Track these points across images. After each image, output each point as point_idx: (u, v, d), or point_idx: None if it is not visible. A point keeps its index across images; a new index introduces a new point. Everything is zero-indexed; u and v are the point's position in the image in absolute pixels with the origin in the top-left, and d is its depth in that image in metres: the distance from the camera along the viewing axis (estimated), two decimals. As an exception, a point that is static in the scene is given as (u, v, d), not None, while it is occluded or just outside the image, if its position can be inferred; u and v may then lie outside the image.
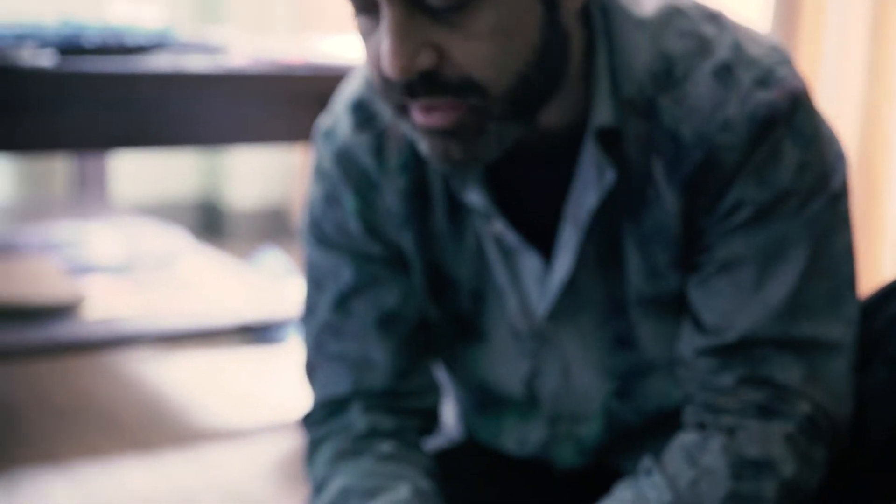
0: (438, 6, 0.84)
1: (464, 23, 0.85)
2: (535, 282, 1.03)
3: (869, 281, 1.59)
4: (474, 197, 1.01)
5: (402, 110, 0.91)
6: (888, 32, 1.55)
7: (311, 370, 1.11)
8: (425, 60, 0.86)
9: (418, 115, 0.89)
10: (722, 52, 0.95)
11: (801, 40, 1.68)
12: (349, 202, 1.06)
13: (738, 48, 0.96)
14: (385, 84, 0.89)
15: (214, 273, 2.20)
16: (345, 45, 1.84)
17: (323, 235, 1.09)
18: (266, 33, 2.82)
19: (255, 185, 3.37)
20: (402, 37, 0.84)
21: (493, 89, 0.87)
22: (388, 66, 0.85)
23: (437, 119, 0.88)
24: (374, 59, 0.89)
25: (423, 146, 0.91)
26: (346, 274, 1.07)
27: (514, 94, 0.88)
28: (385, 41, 0.85)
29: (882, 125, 1.58)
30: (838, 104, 1.62)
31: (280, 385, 2.15)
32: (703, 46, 0.96)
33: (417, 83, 0.86)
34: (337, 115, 1.08)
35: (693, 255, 0.98)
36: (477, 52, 0.86)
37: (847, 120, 1.62)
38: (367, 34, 0.89)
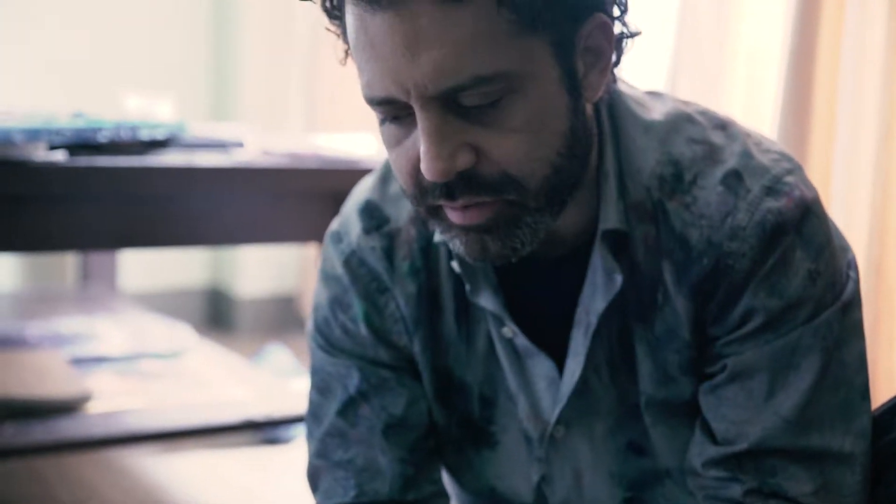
0: (473, 105, 0.86)
1: (498, 119, 0.86)
2: (547, 386, 1.03)
3: (887, 389, 1.57)
4: (486, 300, 1.00)
5: (435, 212, 0.92)
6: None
7: (315, 477, 1.09)
8: (463, 161, 0.87)
9: (454, 215, 0.90)
10: (731, 160, 0.96)
11: (811, 141, 1.69)
12: (357, 307, 1.06)
13: (747, 156, 0.96)
14: (419, 188, 0.90)
15: (220, 369, 2.19)
16: (357, 144, 1.85)
17: (330, 340, 1.09)
18: (278, 131, 2.84)
19: (264, 276, 3.38)
20: (440, 140, 0.86)
21: (529, 182, 0.88)
22: (428, 169, 0.86)
23: (474, 216, 0.90)
24: (405, 165, 0.90)
25: (459, 243, 0.92)
26: (353, 379, 1.07)
27: (548, 185, 0.90)
28: (423, 146, 0.86)
29: (893, 231, 1.58)
30: (848, 211, 1.62)
31: (285, 486, 2.12)
32: (712, 153, 0.97)
33: (456, 184, 0.88)
34: (347, 218, 1.09)
35: (704, 363, 0.98)
36: (513, 146, 0.87)
37: (858, 225, 1.61)
38: (396, 142, 0.90)
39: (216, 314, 3.44)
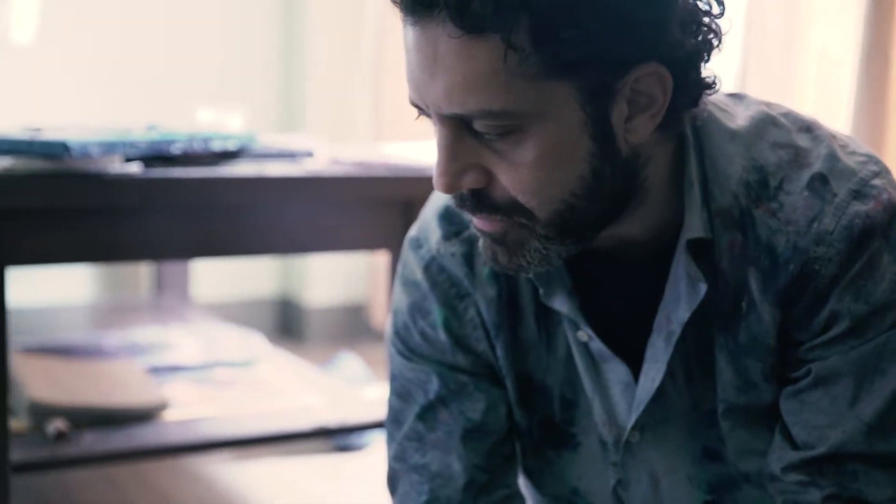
0: (484, 132, 0.87)
1: (509, 150, 0.88)
2: (622, 391, 1.03)
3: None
4: (560, 304, 1.01)
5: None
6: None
7: (394, 480, 1.10)
8: (473, 180, 0.89)
9: (474, 219, 0.94)
10: (817, 163, 0.95)
11: (887, 145, 1.66)
12: (436, 313, 1.07)
13: (833, 159, 0.95)
14: None
15: (292, 377, 2.20)
16: (424, 151, 1.86)
17: (409, 345, 1.09)
18: (346, 140, 2.87)
19: (333, 285, 3.40)
20: (450, 157, 0.89)
21: (538, 212, 0.90)
22: (435, 181, 0.89)
23: (486, 225, 0.92)
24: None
25: (479, 244, 0.95)
26: (432, 385, 1.08)
27: (560, 220, 0.90)
28: (435, 157, 0.89)
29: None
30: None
31: (357, 493, 2.13)
32: (797, 157, 0.95)
33: (467, 199, 0.91)
34: (426, 224, 1.09)
35: (787, 368, 0.96)
36: (521, 178, 0.88)
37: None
38: (434, 136, 0.93)
39: (286, 323, 3.48)
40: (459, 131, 0.88)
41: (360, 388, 2.30)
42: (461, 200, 0.92)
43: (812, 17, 1.85)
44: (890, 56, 1.63)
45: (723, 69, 2.12)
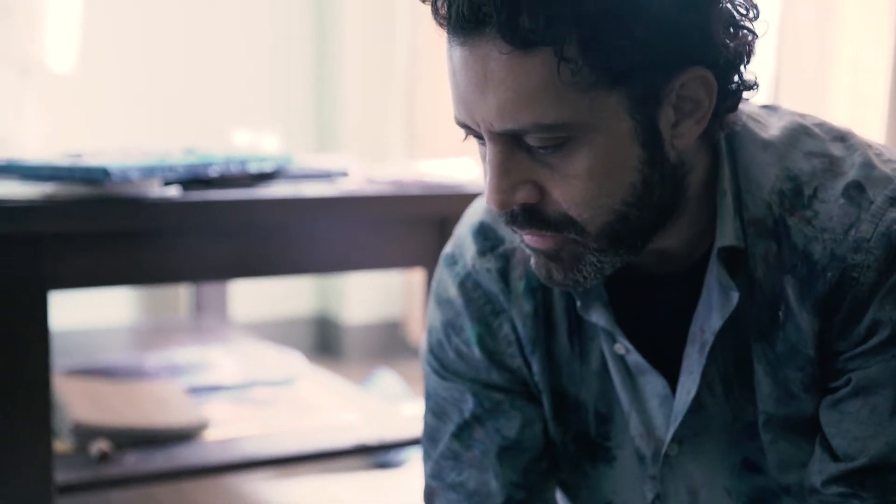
0: (536, 146, 0.88)
1: (560, 163, 0.88)
2: (659, 404, 1.03)
3: None
4: (597, 317, 1.01)
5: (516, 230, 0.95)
6: None
7: (430, 497, 1.11)
8: (525, 196, 0.90)
9: (526, 237, 0.94)
10: (852, 171, 0.94)
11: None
12: (470, 330, 1.07)
13: (868, 166, 0.95)
14: None
15: (331, 395, 2.22)
16: (458, 169, 1.87)
17: (444, 363, 1.10)
18: (381, 159, 2.88)
19: (370, 302, 3.42)
20: (503, 173, 0.89)
21: (589, 226, 0.90)
22: (488, 199, 0.90)
23: (539, 242, 0.92)
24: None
25: (532, 262, 0.96)
26: (467, 403, 1.08)
27: (611, 231, 0.91)
28: (487, 175, 0.90)
29: None
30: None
31: (398, 508, 2.14)
32: (832, 166, 0.95)
33: (519, 215, 0.91)
34: (461, 241, 1.10)
35: (827, 378, 0.96)
36: (573, 191, 0.89)
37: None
38: (482, 158, 0.94)
39: (324, 341, 3.49)
40: (510, 148, 0.88)
41: (397, 405, 2.31)
42: (512, 217, 0.92)
43: (844, 27, 1.84)
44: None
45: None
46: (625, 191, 0.90)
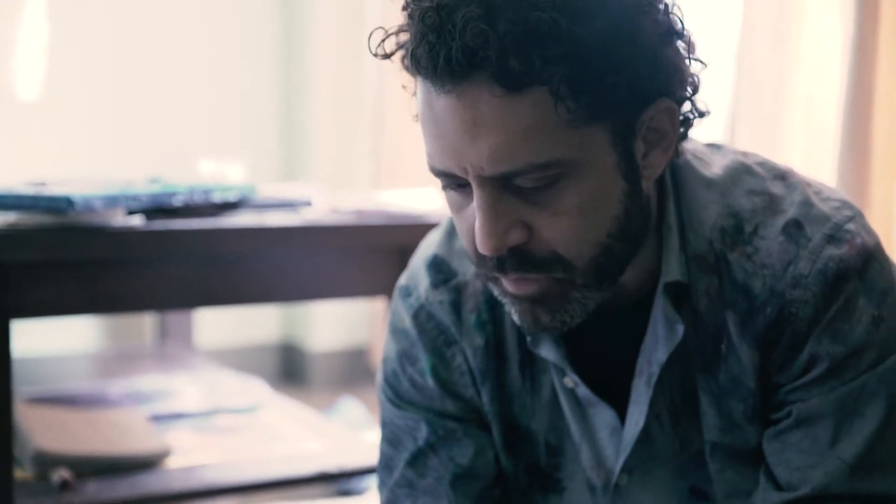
0: (528, 187, 0.88)
1: (551, 201, 0.89)
2: (609, 435, 1.04)
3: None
4: (547, 352, 1.03)
5: (494, 278, 0.95)
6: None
7: (386, 526, 1.12)
8: (515, 237, 0.90)
9: (509, 285, 0.93)
10: (791, 210, 0.97)
11: (872, 183, 1.69)
12: (424, 360, 1.09)
13: (807, 205, 0.97)
14: (476, 255, 0.94)
15: (294, 423, 2.22)
16: (421, 199, 1.89)
17: (398, 392, 1.12)
18: (347, 189, 2.90)
19: (335, 330, 3.43)
20: (494, 217, 0.89)
21: (577, 262, 0.91)
22: (481, 244, 0.89)
23: (524, 288, 0.92)
24: (466, 231, 0.94)
25: (514, 311, 0.95)
26: (421, 432, 1.09)
27: (596, 264, 0.92)
28: (478, 221, 0.89)
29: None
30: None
31: (360, 535, 2.14)
32: (772, 204, 0.98)
33: (508, 259, 0.91)
34: (415, 273, 1.12)
35: (769, 409, 0.98)
36: (563, 227, 0.90)
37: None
38: (458, 207, 0.94)
39: (290, 369, 3.50)
40: (499, 191, 0.89)
41: (360, 433, 2.32)
42: (500, 264, 0.91)
43: (799, 64, 1.88)
44: (872, 101, 1.67)
45: (713, 118, 2.17)
46: (610, 223, 0.91)
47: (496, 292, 0.96)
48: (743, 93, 1.95)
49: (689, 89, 0.94)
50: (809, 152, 1.89)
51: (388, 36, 0.93)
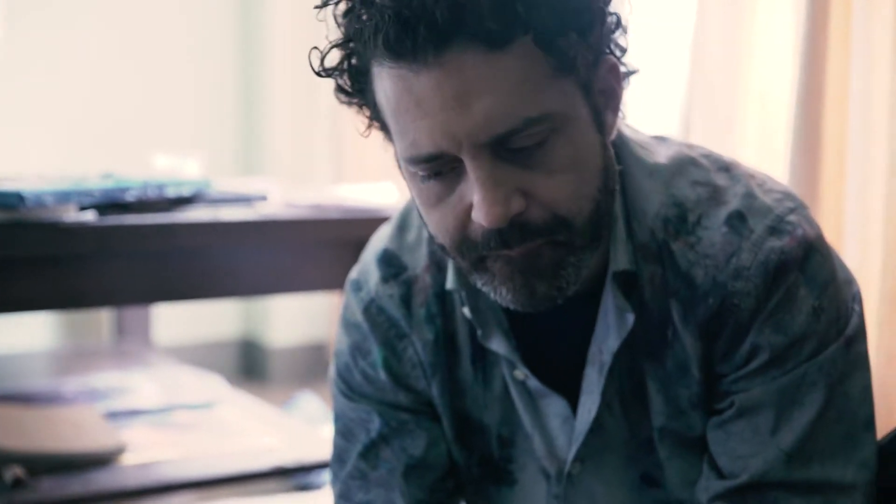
0: (522, 147, 0.88)
1: (544, 160, 0.89)
2: (561, 424, 1.05)
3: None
4: (497, 345, 1.03)
5: (481, 263, 0.93)
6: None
7: (339, 520, 1.12)
8: (517, 205, 0.89)
9: (503, 258, 0.92)
10: (734, 201, 0.98)
11: (822, 178, 1.71)
12: (376, 353, 1.09)
13: (750, 197, 0.98)
14: (466, 242, 0.92)
15: (251, 418, 2.22)
16: (378, 192, 1.89)
17: (351, 385, 1.12)
18: (308, 183, 2.90)
19: (295, 325, 3.42)
20: (495, 185, 0.88)
21: (576, 220, 0.91)
22: (487, 215, 0.88)
23: (523, 258, 0.91)
24: (451, 221, 0.92)
25: (505, 291, 0.93)
26: (374, 423, 1.10)
27: (592, 221, 0.92)
28: (478, 194, 0.88)
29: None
30: (862, 245, 1.64)
31: (318, 530, 2.14)
32: (715, 195, 0.99)
33: (510, 231, 0.89)
34: (366, 267, 1.12)
35: (713, 399, 1.00)
36: (560, 186, 0.89)
37: (872, 259, 1.63)
38: (437, 199, 0.92)
39: (249, 365, 3.49)
40: (494, 159, 0.88)
41: (318, 428, 2.32)
42: (501, 240, 0.90)
43: (751, 61, 1.90)
44: (822, 98, 1.69)
45: (667, 113, 2.19)
46: (598, 178, 0.92)
47: (482, 280, 0.94)
48: (697, 89, 1.97)
49: (622, 47, 0.95)
50: (763, 148, 1.91)
51: (330, 50, 0.92)
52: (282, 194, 1.91)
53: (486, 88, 0.85)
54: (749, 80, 1.91)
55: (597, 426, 1.03)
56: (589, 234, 0.92)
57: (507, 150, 0.88)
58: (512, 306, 0.94)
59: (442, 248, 0.96)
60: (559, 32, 0.87)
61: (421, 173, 0.91)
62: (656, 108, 2.24)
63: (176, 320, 3.25)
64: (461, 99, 0.86)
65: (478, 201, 0.88)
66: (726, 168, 1.02)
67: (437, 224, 0.94)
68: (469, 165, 0.88)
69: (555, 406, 1.05)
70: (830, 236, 1.70)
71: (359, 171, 3.03)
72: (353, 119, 1.00)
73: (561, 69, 0.88)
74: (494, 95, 0.85)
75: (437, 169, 0.90)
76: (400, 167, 0.96)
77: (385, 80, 0.89)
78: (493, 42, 0.84)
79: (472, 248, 0.92)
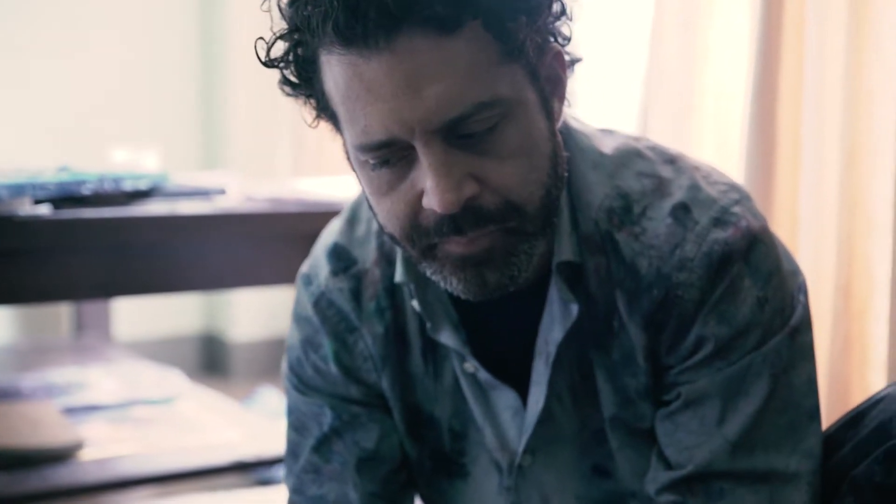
0: (473, 132, 0.88)
1: (495, 146, 0.89)
2: (512, 417, 1.06)
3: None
4: (446, 338, 1.03)
5: (430, 252, 0.93)
6: (861, 161, 1.60)
7: (293, 513, 1.11)
8: (469, 190, 0.89)
9: (455, 248, 0.92)
10: (679, 193, 0.99)
11: (777, 172, 1.73)
12: (327, 346, 1.09)
13: (695, 188, 0.99)
14: (416, 230, 0.92)
15: (211, 413, 2.21)
16: (337, 186, 1.89)
17: (303, 379, 1.12)
18: (267, 177, 2.89)
19: (257, 320, 3.41)
20: (448, 171, 0.88)
21: (528, 206, 0.91)
22: (440, 201, 0.87)
23: (478, 245, 0.91)
24: (402, 209, 0.92)
25: (456, 281, 0.93)
26: (326, 417, 1.10)
27: (543, 207, 0.92)
28: (431, 180, 0.88)
29: (861, 250, 1.61)
30: (816, 237, 1.65)
31: (278, 525, 2.14)
32: (660, 186, 1.00)
33: (463, 216, 0.89)
34: (316, 261, 1.12)
35: (660, 391, 1.00)
36: (511, 171, 0.89)
37: (826, 250, 1.65)
38: (388, 188, 0.92)
39: (211, 359, 3.47)
40: (446, 145, 0.88)
41: (278, 422, 2.31)
42: (453, 226, 0.90)
43: (707, 57, 1.92)
44: (776, 95, 1.70)
45: (625, 108, 2.20)
46: (547, 164, 0.92)
47: (432, 269, 0.94)
48: (654, 85, 1.98)
49: (566, 35, 0.95)
50: (720, 144, 1.93)
51: (275, 41, 0.92)
52: (240, 188, 1.91)
53: (437, 73, 0.85)
54: (705, 76, 1.92)
55: (547, 417, 1.04)
56: (540, 221, 0.93)
57: (459, 136, 0.88)
58: (462, 295, 0.94)
59: (392, 237, 0.95)
60: (508, 17, 0.87)
61: (372, 161, 0.91)
62: (615, 102, 2.26)
63: (137, 315, 3.23)
64: (413, 84, 0.85)
65: (431, 187, 0.88)
66: (671, 160, 1.02)
67: (387, 212, 0.93)
68: (421, 152, 0.88)
69: (505, 398, 1.05)
70: (785, 229, 1.72)
71: (319, 164, 3.03)
72: (304, 113, 0.99)
73: (509, 54, 0.88)
74: (446, 80, 0.85)
75: (388, 156, 0.90)
76: (349, 157, 0.96)
77: (334, 68, 0.88)
78: (444, 26, 0.84)
79: (423, 236, 0.92)
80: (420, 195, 0.90)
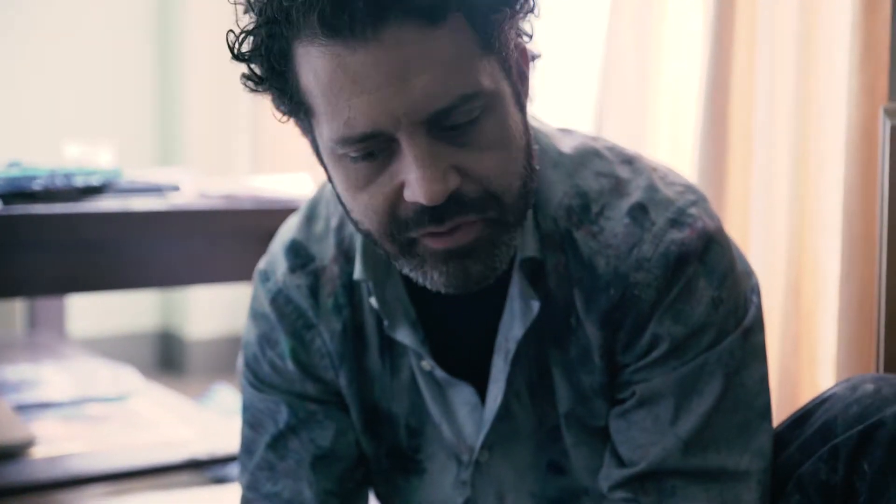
0: (456, 124, 0.88)
1: (476, 138, 0.89)
2: (469, 413, 1.06)
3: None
4: (404, 335, 1.04)
5: (409, 247, 0.93)
6: (811, 162, 1.62)
7: (246, 510, 1.11)
8: (453, 181, 0.89)
9: (440, 241, 0.91)
10: (637, 193, 1.00)
11: (729, 172, 1.75)
12: (284, 343, 1.09)
13: (652, 189, 1.00)
14: (395, 224, 0.91)
15: (165, 411, 2.20)
16: (292, 183, 1.89)
17: (259, 376, 1.11)
18: (224, 174, 2.88)
19: (214, 317, 3.39)
20: (432, 163, 0.87)
21: (507, 196, 0.91)
22: (426, 193, 0.87)
23: (461, 238, 0.91)
24: (381, 202, 0.91)
25: (437, 275, 0.93)
26: (282, 414, 1.09)
27: (520, 197, 0.93)
28: (416, 172, 0.87)
29: (811, 250, 1.63)
30: (767, 237, 1.67)
31: (233, 522, 2.13)
32: (618, 186, 1.01)
33: (445, 207, 0.89)
34: (274, 257, 1.12)
35: (615, 389, 1.01)
36: (491, 162, 0.90)
37: (777, 250, 1.67)
38: (367, 181, 0.91)
39: (167, 357, 3.45)
40: (430, 137, 0.87)
41: (233, 420, 2.30)
42: (436, 216, 0.89)
43: (661, 57, 1.93)
44: (728, 96, 1.72)
45: (581, 108, 2.21)
46: (523, 155, 0.93)
47: (411, 265, 0.94)
48: (610, 85, 1.99)
49: (528, 32, 0.96)
50: (674, 144, 1.94)
51: (247, 35, 0.90)
52: (195, 184, 1.90)
53: (423, 65, 0.85)
54: (660, 76, 1.94)
55: (505, 414, 1.04)
56: (518, 211, 0.93)
57: (442, 128, 0.88)
58: (443, 289, 0.94)
59: (367, 234, 0.95)
60: (490, 9, 0.88)
61: (353, 154, 0.90)
62: (571, 102, 2.27)
63: (93, 312, 3.21)
64: (400, 75, 0.85)
65: (416, 179, 0.88)
66: (629, 161, 1.03)
67: (364, 207, 0.92)
68: (406, 143, 0.88)
69: (462, 394, 1.05)
70: (737, 229, 1.74)
71: (278, 161, 3.01)
72: (272, 109, 0.98)
73: (486, 48, 0.89)
74: (432, 72, 0.86)
75: (370, 149, 0.89)
76: (319, 153, 0.95)
77: (315, 60, 0.87)
78: (430, 17, 0.85)
79: (402, 229, 0.91)
80: (399, 188, 0.90)
